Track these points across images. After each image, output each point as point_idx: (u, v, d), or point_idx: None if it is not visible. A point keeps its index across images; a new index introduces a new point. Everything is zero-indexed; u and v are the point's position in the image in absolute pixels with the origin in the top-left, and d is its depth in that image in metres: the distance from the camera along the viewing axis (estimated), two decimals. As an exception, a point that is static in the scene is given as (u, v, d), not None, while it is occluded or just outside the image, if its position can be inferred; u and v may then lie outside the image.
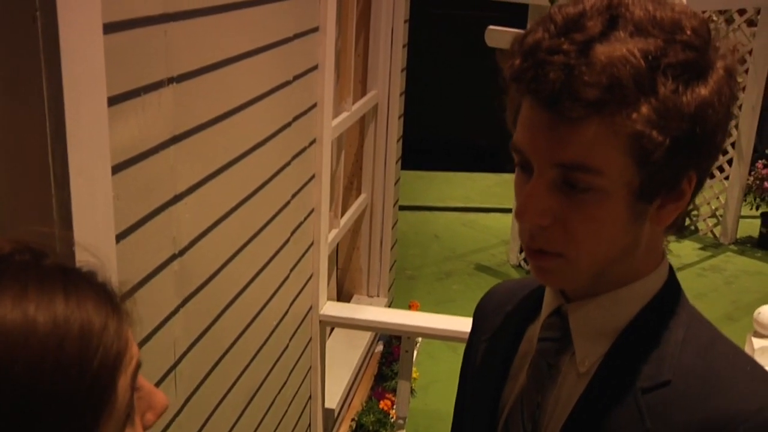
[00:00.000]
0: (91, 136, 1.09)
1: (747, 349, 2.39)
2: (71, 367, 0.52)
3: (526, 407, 0.89)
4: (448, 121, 7.79)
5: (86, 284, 0.57)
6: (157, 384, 1.44)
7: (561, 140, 0.74)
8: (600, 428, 0.82)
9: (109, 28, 1.13)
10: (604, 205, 0.76)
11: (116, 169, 1.20)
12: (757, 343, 2.36)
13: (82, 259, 1.07)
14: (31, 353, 0.51)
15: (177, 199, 1.45)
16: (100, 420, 0.54)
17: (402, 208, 4.65)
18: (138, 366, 0.58)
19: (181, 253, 1.49)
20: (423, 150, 7.12)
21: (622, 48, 0.71)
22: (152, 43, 1.30)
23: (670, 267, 0.88)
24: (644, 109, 0.72)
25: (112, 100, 1.16)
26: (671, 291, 0.86)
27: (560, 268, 0.81)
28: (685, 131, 0.73)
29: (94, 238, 1.12)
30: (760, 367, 0.82)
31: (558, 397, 0.87)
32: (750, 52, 5.65)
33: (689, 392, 0.78)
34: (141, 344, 1.37)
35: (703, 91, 0.74)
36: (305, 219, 2.36)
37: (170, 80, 1.37)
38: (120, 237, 1.24)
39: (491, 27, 3.82)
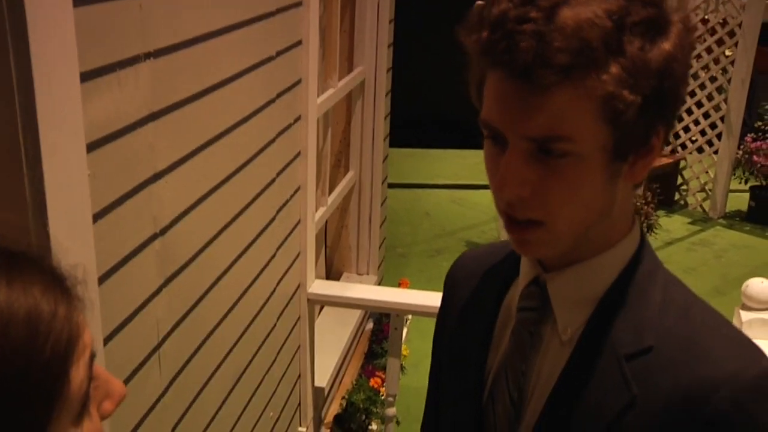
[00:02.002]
0: (63, 113, 1.06)
1: (735, 322, 2.39)
2: (18, 357, 0.49)
3: (510, 376, 0.90)
4: (436, 98, 7.74)
5: (33, 268, 0.53)
6: (141, 365, 1.42)
7: (533, 110, 0.74)
8: (586, 396, 0.82)
9: (80, 0, 1.09)
10: (580, 169, 0.76)
11: (91, 147, 1.17)
12: (745, 315, 2.36)
13: (57, 240, 1.05)
14: None
15: (157, 177, 1.42)
16: (52, 412, 0.51)
17: (392, 185, 4.63)
18: (93, 354, 0.55)
19: (163, 232, 1.47)
20: (412, 127, 7.08)
21: (587, 10, 0.71)
22: (126, 17, 1.26)
23: (641, 230, 0.89)
24: (614, 69, 0.72)
25: (85, 76, 1.13)
26: (644, 255, 0.87)
27: (541, 238, 0.81)
28: (654, 87, 0.74)
29: (69, 218, 1.10)
30: (733, 328, 0.84)
31: (542, 366, 0.88)
32: (740, 25, 5.62)
33: (672, 358, 0.79)
34: (123, 325, 1.35)
35: (667, 45, 0.75)
36: (291, 197, 2.34)
37: (147, 55, 1.34)
38: (97, 216, 1.22)
39: (479, 2, 3.78)
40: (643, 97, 0.73)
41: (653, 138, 0.79)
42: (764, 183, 5.85)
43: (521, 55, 0.72)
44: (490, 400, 0.92)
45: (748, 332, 2.32)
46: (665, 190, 5.90)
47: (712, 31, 5.80)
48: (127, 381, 1.37)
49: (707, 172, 6.06)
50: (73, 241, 1.12)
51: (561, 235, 0.80)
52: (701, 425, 0.76)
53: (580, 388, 0.83)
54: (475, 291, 1.00)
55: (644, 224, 4.67)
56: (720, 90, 5.87)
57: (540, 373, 0.87)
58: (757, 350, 0.80)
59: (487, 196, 6.29)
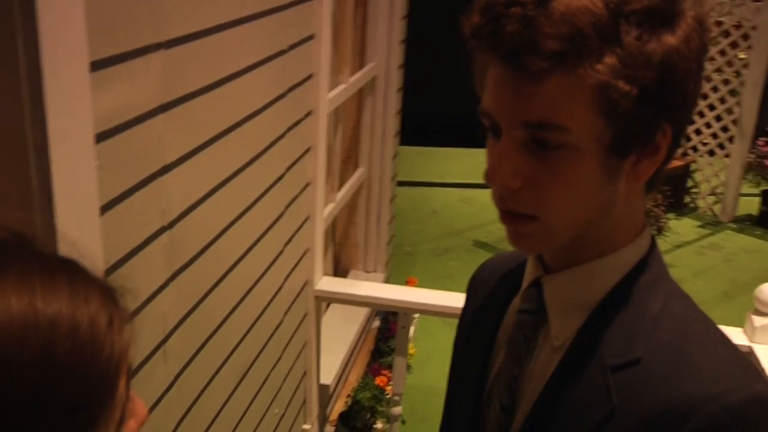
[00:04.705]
0: (72, 102, 1.04)
1: (747, 328, 2.36)
2: (80, 363, 0.51)
3: (503, 380, 0.87)
4: (447, 96, 7.72)
5: (90, 278, 0.56)
6: (146, 360, 1.40)
7: (525, 97, 0.71)
8: (569, 405, 0.79)
9: (91, -12, 1.07)
10: (575, 163, 0.73)
11: (100, 137, 1.15)
12: (758, 321, 2.32)
13: (63, 232, 1.03)
14: (38, 345, 0.50)
15: (166, 169, 1.40)
16: (100, 419, 0.53)
17: (401, 183, 4.61)
18: (130, 367, 0.58)
19: (171, 225, 1.45)
20: (423, 126, 7.06)
21: None
22: (138, 7, 1.24)
23: (653, 239, 0.84)
24: (608, 58, 0.69)
25: (96, 65, 1.11)
26: (650, 264, 0.82)
27: (535, 232, 0.77)
28: (653, 80, 0.70)
29: (76, 209, 1.08)
30: (732, 350, 0.78)
31: (533, 371, 0.85)
32: (754, 28, 5.58)
33: (657, 372, 0.75)
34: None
35: (670, 38, 0.71)
36: (300, 192, 2.32)
37: (158, 46, 1.32)
38: (105, 208, 1.20)
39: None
40: (640, 88, 0.70)
41: (657, 136, 0.75)
42: (776, 187, 5.82)
43: (507, 39, 0.69)
44: (487, 405, 0.90)
45: (761, 337, 2.29)
46: (676, 193, 5.87)
47: (726, 34, 5.75)
48: (131, 376, 1.35)
49: (718, 175, 6.02)
50: (80, 232, 1.10)
51: (556, 230, 0.77)
52: None
53: (564, 397, 0.79)
54: (488, 294, 0.97)
55: (654, 227, 4.64)
56: (733, 93, 5.83)
57: (531, 379, 0.85)
58: (753, 374, 0.75)
59: (496, 195, 6.27)
